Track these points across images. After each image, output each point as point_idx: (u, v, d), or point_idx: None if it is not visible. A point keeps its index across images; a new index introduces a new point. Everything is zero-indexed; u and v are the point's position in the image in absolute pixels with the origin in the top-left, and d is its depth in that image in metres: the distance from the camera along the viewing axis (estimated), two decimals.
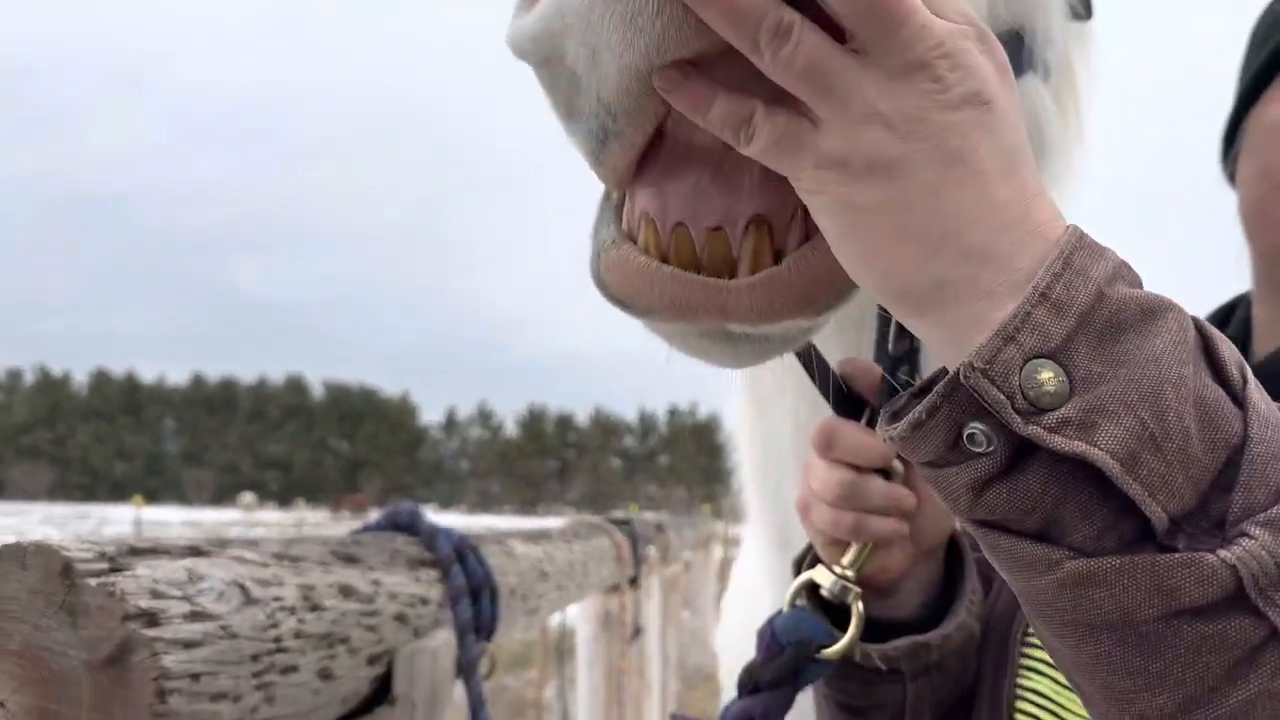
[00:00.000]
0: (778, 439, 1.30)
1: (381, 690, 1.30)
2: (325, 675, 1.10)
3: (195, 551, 0.96)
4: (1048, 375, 0.57)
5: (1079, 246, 0.60)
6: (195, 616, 0.86)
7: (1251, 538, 0.56)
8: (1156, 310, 0.60)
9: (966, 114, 0.60)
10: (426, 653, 1.36)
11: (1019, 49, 1.00)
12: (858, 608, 0.91)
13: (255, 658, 0.94)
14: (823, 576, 0.94)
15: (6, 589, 0.79)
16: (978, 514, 0.61)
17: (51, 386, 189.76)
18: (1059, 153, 1.14)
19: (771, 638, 0.92)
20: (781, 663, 0.91)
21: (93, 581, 0.79)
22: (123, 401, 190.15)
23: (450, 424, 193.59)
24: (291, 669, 1.01)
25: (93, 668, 0.78)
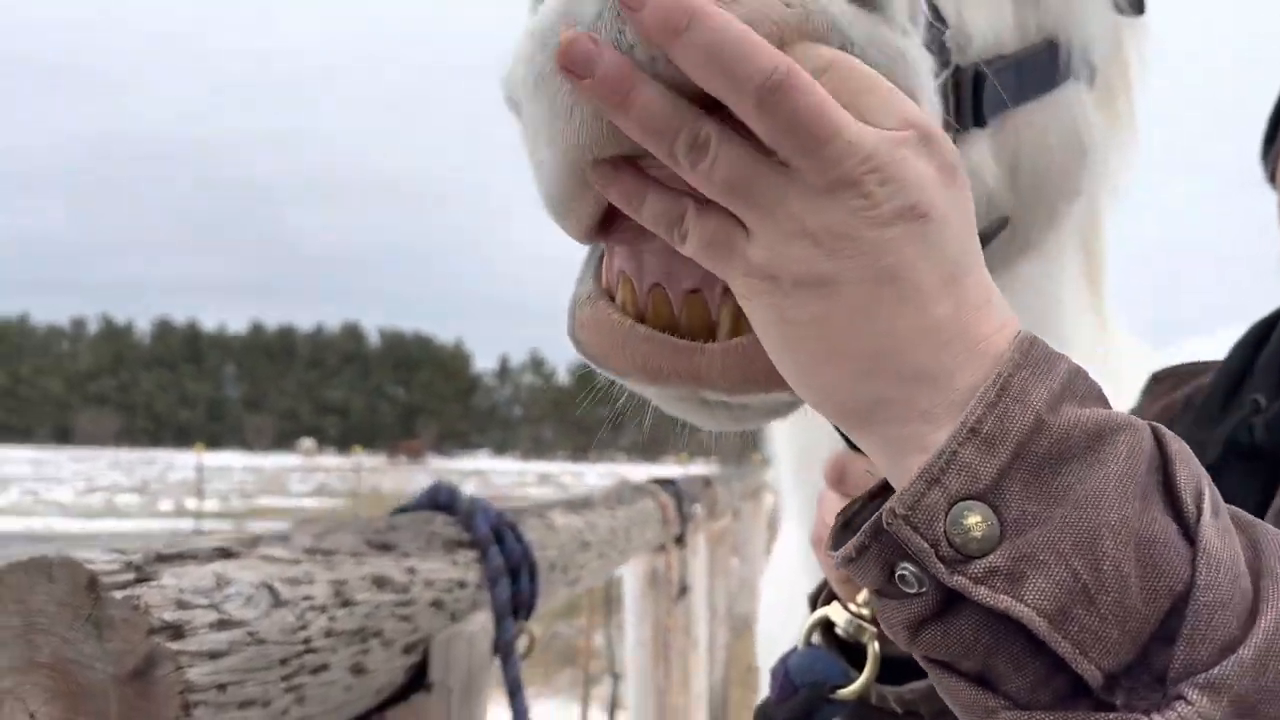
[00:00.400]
0: (815, 437, 1.27)
1: (418, 676, 1.31)
2: (358, 670, 1.10)
3: (224, 554, 0.96)
4: (975, 520, 0.54)
5: (1022, 365, 0.57)
6: (222, 625, 0.87)
7: (1189, 703, 0.52)
8: (1106, 433, 0.56)
9: (899, 230, 0.56)
10: (463, 638, 1.37)
11: (1054, 58, 0.96)
12: (873, 648, 0.87)
13: (284, 661, 0.94)
14: (837, 614, 0.91)
15: (35, 602, 0.80)
16: (917, 651, 0.58)
17: (115, 335, 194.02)
18: (1104, 155, 1.10)
19: (785, 677, 0.90)
20: (795, 704, 0.89)
21: (118, 594, 0.79)
22: (184, 349, 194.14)
23: (503, 371, 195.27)
24: (322, 668, 1.02)
25: (119, 681, 0.78)
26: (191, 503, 29.07)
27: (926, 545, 0.54)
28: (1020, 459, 0.54)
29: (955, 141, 0.68)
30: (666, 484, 3.79)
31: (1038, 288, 1.13)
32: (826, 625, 0.92)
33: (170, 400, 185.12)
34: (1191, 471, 0.57)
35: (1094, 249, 1.30)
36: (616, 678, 4.86)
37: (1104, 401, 0.59)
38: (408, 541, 1.34)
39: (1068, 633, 0.53)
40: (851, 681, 0.88)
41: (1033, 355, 0.57)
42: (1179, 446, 0.58)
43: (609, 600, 5.03)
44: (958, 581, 0.54)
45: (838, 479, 0.90)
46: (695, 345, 0.68)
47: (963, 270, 0.59)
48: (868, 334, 0.57)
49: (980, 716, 0.56)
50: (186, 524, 25.77)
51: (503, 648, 1.51)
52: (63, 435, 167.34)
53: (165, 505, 36.55)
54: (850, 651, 0.91)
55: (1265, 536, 0.58)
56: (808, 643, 0.92)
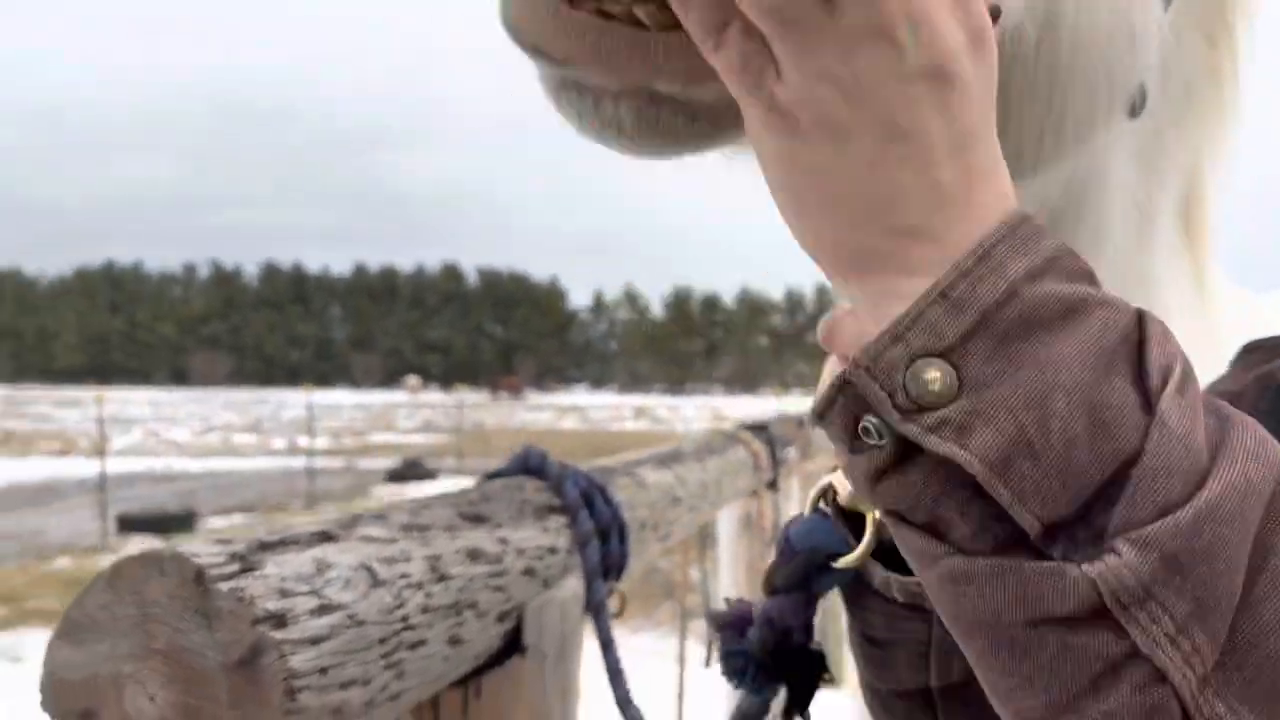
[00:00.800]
0: None
1: (513, 641, 1.36)
2: (454, 641, 1.15)
3: (324, 538, 1.01)
4: (934, 375, 0.56)
5: (1005, 236, 0.58)
6: (322, 610, 0.91)
7: (1118, 554, 0.53)
8: (1081, 308, 0.57)
9: (920, 89, 0.57)
10: (555, 604, 1.41)
11: None
12: (872, 515, 0.85)
13: (382, 640, 0.99)
14: (841, 482, 0.88)
15: (150, 593, 0.85)
16: (876, 503, 0.61)
17: (225, 279, 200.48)
18: (1187, 95, 1.03)
19: (786, 543, 0.91)
20: (792, 568, 0.89)
21: (224, 586, 0.84)
22: (291, 291, 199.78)
23: (598, 306, 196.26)
24: (420, 644, 1.06)
25: (228, 668, 0.84)
26: (304, 440, 30.16)
27: (885, 395, 0.57)
28: (986, 324, 0.56)
29: None
30: (759, 430, 3.79)
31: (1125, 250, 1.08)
32: (832, 495, 0.90)
33: (279, 341, 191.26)
34: (1166, 351, 0.58)
35: (1194, 215, 1.23)
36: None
37: (1092, 281, 0.60)
38: (500, 512, 1.38)
39: (1008, 481, 0.55)
40: (851, 550, 0.86)
41: (1020, 230, 0.59)
42: (1161, 329, 0.59)
43: (704, 538, 5.10)
44: (909, 429, 0.56)
45: (829, 337, 0.88)
46: (653, 35, 0.64)
47: (975, 139, 0.59)
48: (870, 186, 0.58)
49: (927, 564, 0.59)
50: (299, 461, 26.75)
51: (594, 609, 1.55)
52: (179, 377, 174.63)
53: (278, 443, 37.98)
54: (855, 522, 0.88)
55: (1238, 423, 0.59)
56: (815, 510, 0.91)
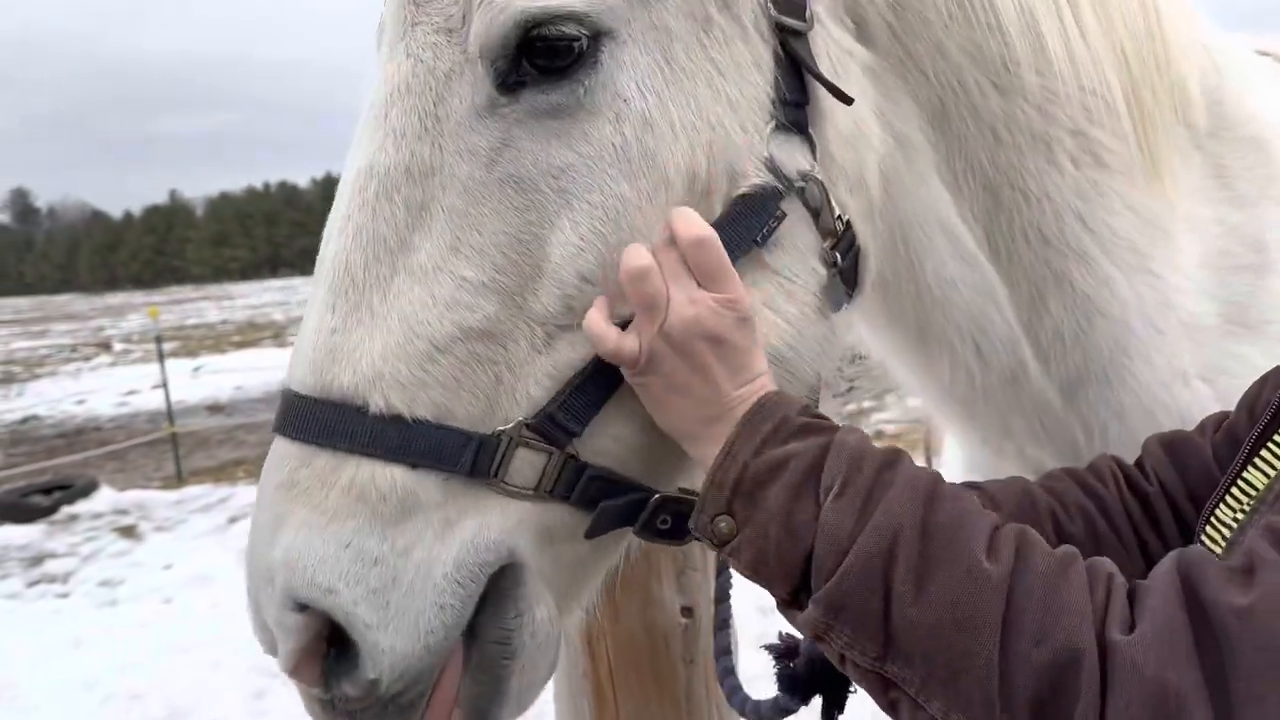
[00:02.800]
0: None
1: None
2: None
3: None
4: (725, 525, 1.04)
5: (740, 432, 1.06)
6: None
7: (810, 607, 0.98)
8: (784, 461, 1.03)
9: (688, 369, 1.10)
10: None
11: None
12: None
13: None
14: None
15: None
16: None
17: None
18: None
19: None
20: None
21: None
22: None
23: None
24: None
25: None
26: None
27: (710, 540, 1.06)
28: (735, 493, 1.04)
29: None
30: None
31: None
32: None
33: None
34: (834, 467, 1.01)
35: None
36: None
37: (802, 431, 1.05)
38: None
39: (759, 575, 1.03)
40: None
41: (753, 421, 1.07)
42: (836, 451, 1.03)
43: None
44: (723, 556, 1.07)
45: None
46: None
47: (737, 367, 1.11)
48: (675, 411, 1.12)
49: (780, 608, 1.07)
50: None
51: None
52: None
53: None
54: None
55: (892, 488, 0.99)
56: None
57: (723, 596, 1.57)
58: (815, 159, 1.22)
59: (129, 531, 9.81)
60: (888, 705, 0.96)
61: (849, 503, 0.97)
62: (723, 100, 1.17)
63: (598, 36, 1.12)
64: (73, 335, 42.92)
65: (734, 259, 1.13)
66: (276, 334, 34.47)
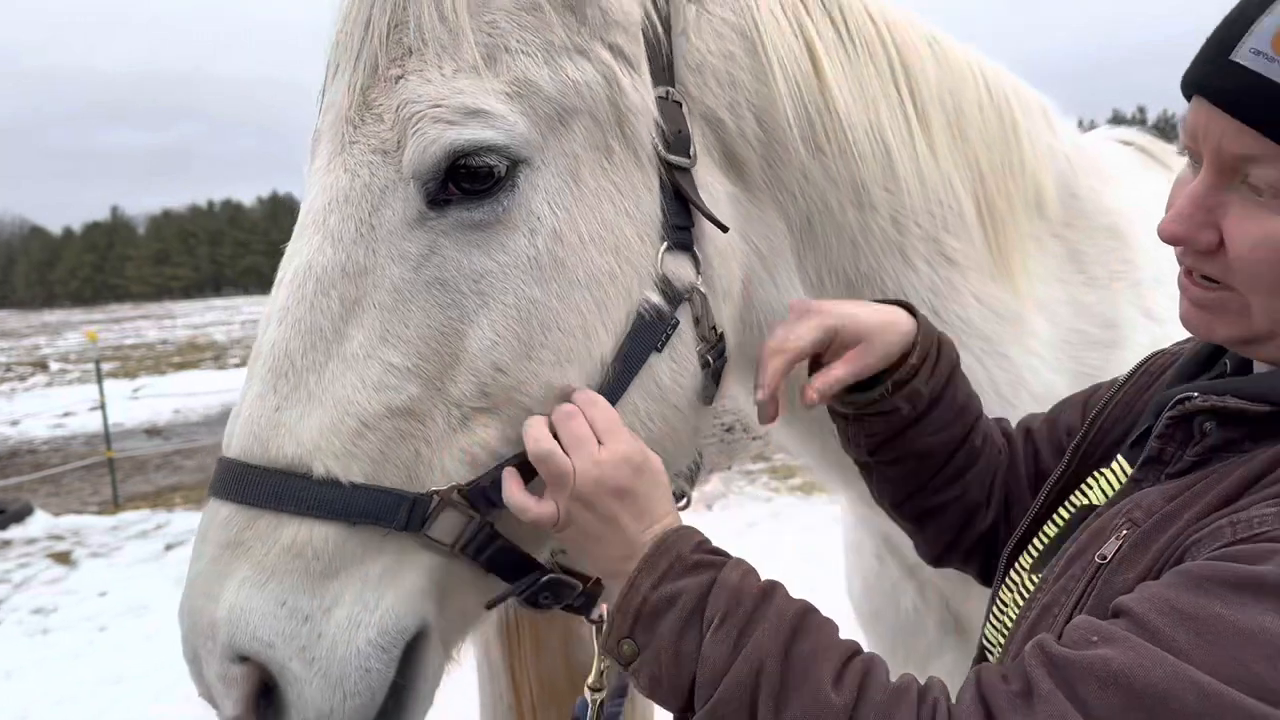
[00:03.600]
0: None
1: None
2: None
3: None
4: (629, 647, 1.14)
5: (641, 567, 1.16)
6: None
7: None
8: (676, 597, 1.13)
9: (598, 520, 1.23)
10: None
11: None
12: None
13: None
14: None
15: None
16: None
17: None
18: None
19: None
20: None
21: None
22: None
23: None
24: None
25: None
26: None
27: (616, 659, 1.17)
28: (637, 622, 1.14)
29: None
30: None
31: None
32: None
33: None
34: (715, 604, 1.11)
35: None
36: None
37: (696, 569, 1.15)
38: None
39: (655, 695, 1.13)
40: None
41: (652, 558, 1.17)
42: (718, 588, 1.13)
43: None
44: (627, 676, 1.17)
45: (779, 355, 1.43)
46: None
47: (642, 512, 1.23)
48: (595, 554, 1.25)
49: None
50: None
51: None
52: None
53: None
54: None
55: (761, 619, 1.09)
56: None
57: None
58: (699, 273, 1.41)
59: (63, 558, 9.68)
60: None
61: (725, 635, 1.10)
62: (623, 214, 1.36)
63: (515, 164, 1.30)
64: (7, 354, 42.01)
65: (639, 365, 1.33)
66: (218, 355, 34.07)
